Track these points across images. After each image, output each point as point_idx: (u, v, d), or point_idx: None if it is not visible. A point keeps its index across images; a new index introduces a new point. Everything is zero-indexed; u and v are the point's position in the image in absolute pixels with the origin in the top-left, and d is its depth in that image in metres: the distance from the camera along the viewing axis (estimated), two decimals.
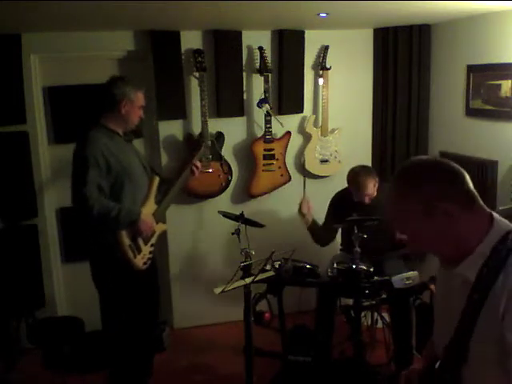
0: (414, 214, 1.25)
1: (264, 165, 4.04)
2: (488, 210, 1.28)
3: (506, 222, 1.27)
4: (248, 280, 2.78)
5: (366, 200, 3.37)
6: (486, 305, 1.16)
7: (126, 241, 2.74)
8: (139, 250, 2.81)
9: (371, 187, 3.35)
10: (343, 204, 3.55)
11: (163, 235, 4.07)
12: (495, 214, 1.27)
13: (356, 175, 3.39)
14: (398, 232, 1.37)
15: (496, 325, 1.16)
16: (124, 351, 2.91)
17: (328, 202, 3.68)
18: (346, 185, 3.65)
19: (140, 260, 2.81)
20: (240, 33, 3.87)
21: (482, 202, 1.28)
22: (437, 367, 1.29)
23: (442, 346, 1.28)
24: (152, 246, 2.91)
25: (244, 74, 3.97)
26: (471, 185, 1.27)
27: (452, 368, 1.22)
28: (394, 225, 1.35)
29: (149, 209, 2.87)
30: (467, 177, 1.27)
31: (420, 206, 1.24)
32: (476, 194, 1.27)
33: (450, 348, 1.22)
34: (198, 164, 3.13)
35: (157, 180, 2.93)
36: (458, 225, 1.24)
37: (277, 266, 3.06)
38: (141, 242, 2.83)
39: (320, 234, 3.58)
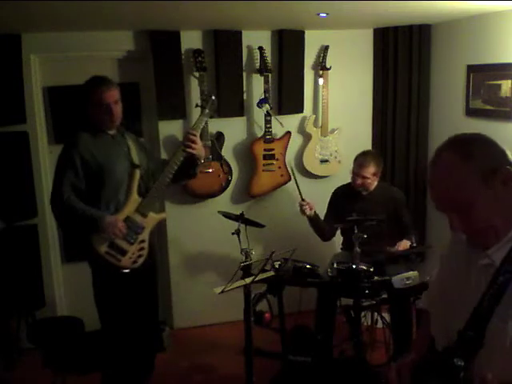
0: (471, 182, 1.25)
1: (264, 165, 4.04)
2: None
3: None
4: (248, 280, 2.78)
5: (358, 181, 3.42)
6: (509, 287, 1.17)
7: (102, 248, 2.66)
8: (123, 252, 2.70)
9: (369, 172, 3.40)
10: (343, 197, 3.58)
11: (163, 235, 4.09)
12: None
13: (361, 154, 3.52)
14: (449, 211, 1.32)
15: None
16: (119, 352, 2.88)
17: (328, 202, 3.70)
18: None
19: (127, 260, 2.71)
20: (240, 33, 3.87)
21: None
22: (441, 352, 1.26)
23: (452, 330, 1.25)
24: (142, 242, 2.78)
25: (244, 73, 3.97)
26: None
27: (466, 352, 1.19)
28: (446, 201, 1.31)
29: (132, 204, 2.75)
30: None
31: (479, 172, 1.24)
32: None
33: (466, 331, 1.19)
34: (194, 136, 2.82)
35: (137, 173, 2.78)
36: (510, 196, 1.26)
37: (277, 266, 3.06)
38: (123, 244, 2.70)
39: (322, 226, 3.58)
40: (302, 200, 3.45)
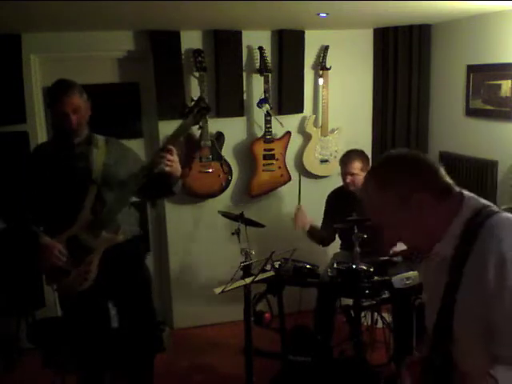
0: (390, 207, 1.30)
1: (264, 165, 4.04)
2: (463, 192, 1.31)
3: (477, 200, 1.30)
4: (248, 280, 2.79)
5: (348, 180, 3.40)
6: (463, 280, 1.21)
7: (44, 266, 2.55)
8: (66, 273, 2.54)
9: (355, 167, 3.39)
10: (338, 201, 3.57)
11: (163, 235, 4.09)
12: (468, 195, 1.30)
13: (344, 154, 3.52)
14: (377, 225, 1.39)
15: (477, 295, 1.19)
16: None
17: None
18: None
19: (70, 282, 2.55)
20: (240, 33, 3.87)
21: (458, 190, 1.31)
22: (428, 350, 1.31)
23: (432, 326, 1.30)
24: (90, 264, 2.54)
25: (244, 73, 3.97)
26: (445, 176, 1.31)
27: (441, 347, 1.24)
28: (373, 219, 1.39)
29: (81, 222, 2.54)
30: (440, 168, 1.31)
31: (396, 199, 1.29)
32: (451, 184, 1.31)
33: (437, 326, 1.25)
34: (168, 152, 2.43)
35: (93, 189, 2.55)
36: (432, 215, 1.28)
37: (277, 266, 3.06)
38: (67, 264, 2.53)
39: (320, 235, 3.58)
40: (298, 209, 3.48)
